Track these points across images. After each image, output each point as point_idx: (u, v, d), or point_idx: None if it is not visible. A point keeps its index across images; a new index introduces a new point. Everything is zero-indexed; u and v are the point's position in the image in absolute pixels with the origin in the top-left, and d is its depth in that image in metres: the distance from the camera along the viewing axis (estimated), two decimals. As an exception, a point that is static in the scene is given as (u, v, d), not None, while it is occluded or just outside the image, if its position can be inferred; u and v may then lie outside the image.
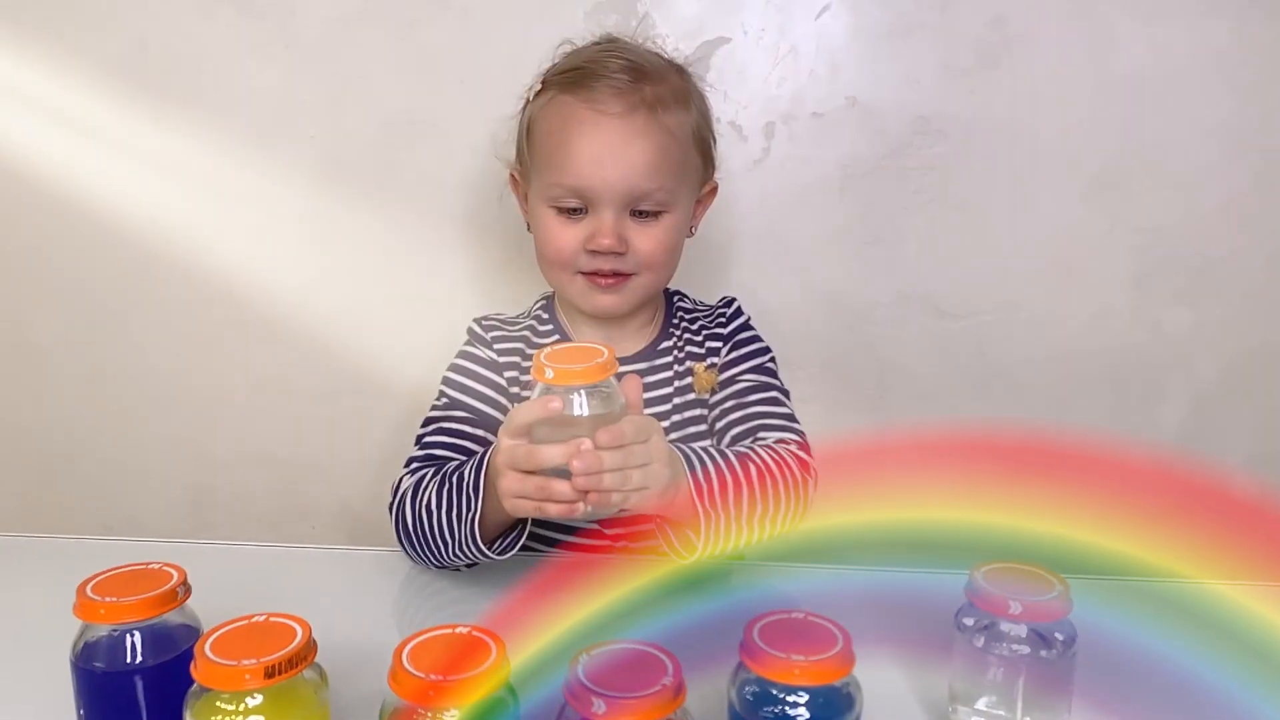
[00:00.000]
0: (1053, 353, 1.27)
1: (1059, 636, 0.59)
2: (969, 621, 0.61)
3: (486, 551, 0.76)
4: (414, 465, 0.87)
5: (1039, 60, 1.18)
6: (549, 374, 0.66)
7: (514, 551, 0.78)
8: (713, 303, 1.01)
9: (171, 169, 1.26)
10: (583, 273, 0.88)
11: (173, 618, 0.57)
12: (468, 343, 0.96)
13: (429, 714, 0.48)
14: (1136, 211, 1.22)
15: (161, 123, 1.25)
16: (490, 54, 1.22)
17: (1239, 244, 1.22)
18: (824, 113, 1.22)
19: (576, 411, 0.67)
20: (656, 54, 0.92)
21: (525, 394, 0.91)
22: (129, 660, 0.55)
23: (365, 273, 1.28)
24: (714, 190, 0.97)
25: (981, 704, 0.61)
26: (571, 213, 0.87)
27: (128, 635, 0.55)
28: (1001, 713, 0.60)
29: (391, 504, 0.84)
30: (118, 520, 1.37)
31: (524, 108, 0.94)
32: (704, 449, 0.76)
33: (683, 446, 0.75)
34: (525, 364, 0.93)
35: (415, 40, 1.22)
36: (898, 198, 1.24)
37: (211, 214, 1.27)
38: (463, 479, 0.77)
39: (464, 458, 0.84)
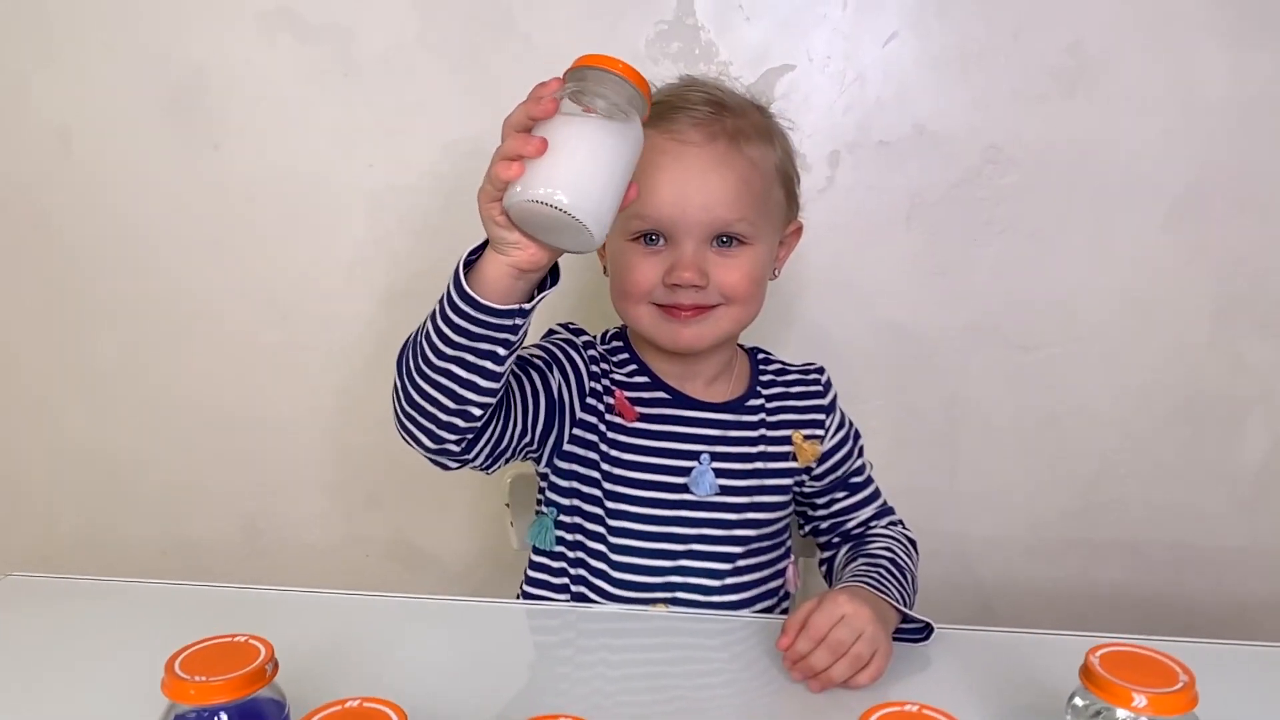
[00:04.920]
0: (1127, 386, 1.24)
1: (1180, 729, 0.56)
2: (1080, 703, 0.58)
3: (492, 305, 0.71)
4: None
5: (1117, 86, 1.15)
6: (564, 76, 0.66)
7: (540, 296, 0.73)
8: (795, 362, 0.99)
9: (230, 195, 1.26)
10: (659, 304, 0.86)
11: (261, 694, 0.56)
12: (552, 330, 0.93)
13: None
14: (1218, 241, 1.18)
15: (222, 148, 1.25)
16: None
17: (1326, 275, 1.18)
18: (891, 141, 1.19)
19: (568, 110, 0.66)
20: (737, 93, 0.90)
21: (612, 401, 0.89)
22: (217, 741, 0.54)
23: (425, 299, 1.27)
24: (798, 231, 0.95)
25: (1093, 789, 0.58)
26: (650, 244, 0.85)
27: (216, 717, 0.54)
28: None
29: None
30: (174, 544, 1.38)
31: None
32: (876, 575, 0.81)
33: (865, 582, 0.79)
34: (599, 373, 0.90)
35: (475, 68, 1.21)
36: (967, 227, 1.21)
37: (271, 240, 1.27)
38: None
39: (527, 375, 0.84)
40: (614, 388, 0.90)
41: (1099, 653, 0.57)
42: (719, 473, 0.88)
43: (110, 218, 1.28)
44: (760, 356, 0.98)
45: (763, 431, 0.91)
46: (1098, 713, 0.57)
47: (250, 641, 0.57)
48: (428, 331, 0.73)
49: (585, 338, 0.92)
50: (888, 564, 0.84)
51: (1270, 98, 1.13)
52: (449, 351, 0.72)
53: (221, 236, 1.28)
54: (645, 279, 0.84)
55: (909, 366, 1.25)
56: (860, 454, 0.97)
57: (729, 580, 0.90)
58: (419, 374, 0.74)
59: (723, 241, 0.85)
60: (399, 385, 0.76)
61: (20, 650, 0.80)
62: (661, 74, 1.16)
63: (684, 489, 0.88)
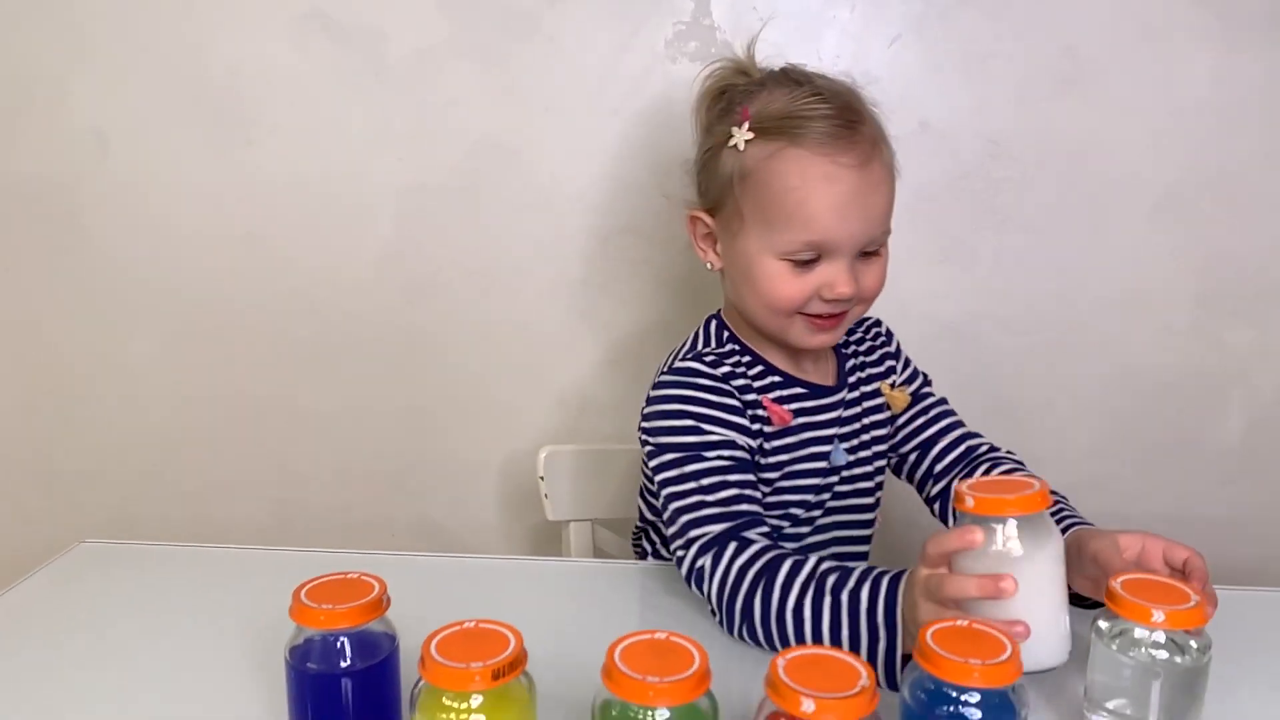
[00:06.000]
0: (1117, 370, 1.32)
1: (1194, 644, 0.63)
2: (1105, 625, 0.65)
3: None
4: (723, 535, 0.81)
5: (1109, 88, 1.23)
6: (969, 502, 0.64)
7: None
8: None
9: (262, 193, 1.31)
10: (805, 314, 0.88)
11: (376, 625, 0.61)
12: (684, 384, 0.88)
13: (640, 711, 0.52)
14: (1201, 234, 1.26)
15: (255, 145, 1.30)
16: (575, 82, 1.26)
17: (1299, 265, 1.27)
18: (896, 136, 1.25)
19: (1006, 547, 0.64)
20: (836, 80, 0.92)
21: (762, 413, 0.90)
22: (340, 664, 0.60)
23: (450, 293, 1.33)
24: None
25: (1113, 705, 0.65)
26: (804, 264, 0.86)
27: (339, 640, 0.60)
28: (1133, 714, 0.65)
29: (710, 582, 0.79)
30: (207, 531, 1.42)
31: (718, 152, 0.91)
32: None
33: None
34: (743, 389, 0.90)
35: (502, 69, 1.26)
36: (969, 219, 1.28)
37: (302, 236, 1.32)
38: (857, 603, 0.72)
39: (751, 498, 0.83)
40: (759, 398, 0.91)
41: (1120, 579, 0.64)
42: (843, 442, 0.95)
43: (145, 216, 1.32)
44: None
45: (862, 390, 0.98)
46: (1120, 633, 0.64)
47: (364, 578, 0.62)
48: (798, 634, 0.74)
49: (724, 369, 0.90)
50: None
51: (1248, 100, 1.22)
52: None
53: (253, 233, 1.32)
54: (800, 295, 0.87)
55: (913, 352, 1.32)
56: (931, 385, 1.03)
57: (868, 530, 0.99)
58: (765, 633, 0.77)
59: (866, 251, 0.88)
60: (724, 615, 0.79)
61: (104, 609, 0.85)
62: (680, 72, 1.25)
63: (827, 470, 0.94)
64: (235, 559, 0.98)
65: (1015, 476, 0.67)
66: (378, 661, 0.61)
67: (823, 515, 0.95)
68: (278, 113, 1.29)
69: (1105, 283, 1.29)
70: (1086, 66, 1.22)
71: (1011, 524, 0.64)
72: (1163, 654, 0.63)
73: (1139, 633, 0.64)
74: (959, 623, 0.58)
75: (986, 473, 0.94)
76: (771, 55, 1.24)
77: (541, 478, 1.15)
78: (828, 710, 0.50)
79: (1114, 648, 0.64)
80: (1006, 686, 0.55)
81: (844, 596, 0.73)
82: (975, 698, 0.55)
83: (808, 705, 0.50)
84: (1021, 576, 0.62)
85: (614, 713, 0.54)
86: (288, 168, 1.30)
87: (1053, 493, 0.83)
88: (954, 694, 0.55)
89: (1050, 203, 1.27)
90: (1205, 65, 1.21)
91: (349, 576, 0.62)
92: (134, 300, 1.35)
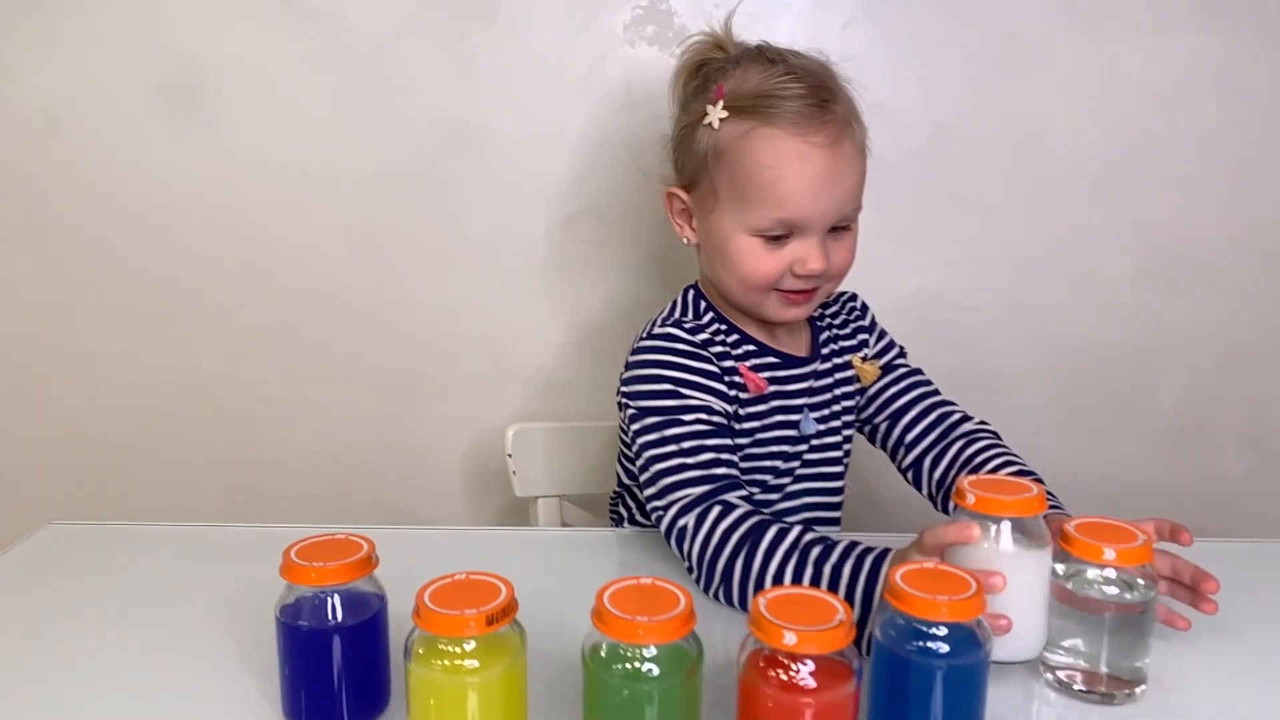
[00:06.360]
0: (1060, 343, 1.37)
1: (1141, 583, 0.67)
2: (1061, 569, 0.69)
3: None
4: (704, 497, 0.83)
5: (1050, 71, 1.28)
6: (970, 500, 0.67)
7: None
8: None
9: (221, 175, 1.30)
10: (779, 290, 0.91)
11: (365, 584, 0.63)
12: (663, 349, 0.91)
13: (631, 649, 0.54)
14: (1137, 211, 1.32)
15: (213, 128, 1.29)
16: (535, 65, 1.28)
17: (1229, 240, 1.33)
18: (850, 119, 1.30)
19: (1000, 545, 0.67)
20: (810, 57, 0.94)
21: (739, 380, 0.92)
22: (332, 620, 0.61)
23: (413, 276, 1.34)
24: None
25: (1068, 644, 0.69)
26: (776, 240, 0.89)
27: (329, 597, 0.61)
28: (1086, 651, 0.69)
29: (692, 543, 0.81)
30: (170, 519, 1.40)
31: (693, 129, 0.92)
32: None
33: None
34: (722, 355, 0.92)
35: (463, 52, 1.28)
36: (918, 198, 1.33)
37: (263, 221, 1.32)
38: (838, 577, 0.74)
39: (730, 462, 0.86)
40: (736, 365, 0.93)
41: (1074, 523, 0.68)
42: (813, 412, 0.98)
43: (102, 200, 1.31)
44: None
45: (833, 362, 1.01)
46: (1074, 574, 0.68)
47: (352, 538, 0.64)
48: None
49: (703, 335, 0.92)
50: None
51: (1179, 82, 1.28)
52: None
53: (213, 217, 1.31)
54: (773, 271, 0.89)
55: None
56: (906, 357, 1.06)
57: (838, 498, 1.02)
58: (741, 595, 0.79)
59: (836, 227, 0.91)
60: (700, 573, 0.81)
61: (78, 587, 0.85)
62: (638, 56, 1.27)
63: (796, 438, 0.97)
64: (205, 536, 0.98)
65: (1016, 479, 0.69)
66: (368, 618, 0.62)
67: (792, 483, 0.98)
68: (237, 95, 1.28)
69: (1048, 259, 1.34)
70: (1029, 51, 1.27)
71: (1006, 524, 0.67)
72: (1113, 590, 0.67)
73: (1091, 573, 0.68)
74: (926, 564, 0.61)
75: (970, 461, 0.95)
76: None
77: (509, 455, 1.17)
78: (808, 641, 0.53)
79: (1069, 587, 0.68)
80: (971, 621, 0.58)
81: (826, 569, 0.75)
82: (943, 631, 0.58)
83: (789, 638, 0.53)
84: (1010, 574, 0.65)
85: (603, 654, 0.56)
86: (247, 151, 1.30)
87: (1049, 494, 0.86)
88: (923, 629, 0.58)
89: (996, 182, 1.32)
90: (1139, 49, 1.27)
91: (337, 537, 0.64)
92: (92, 285, 1.33)
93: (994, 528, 0.67)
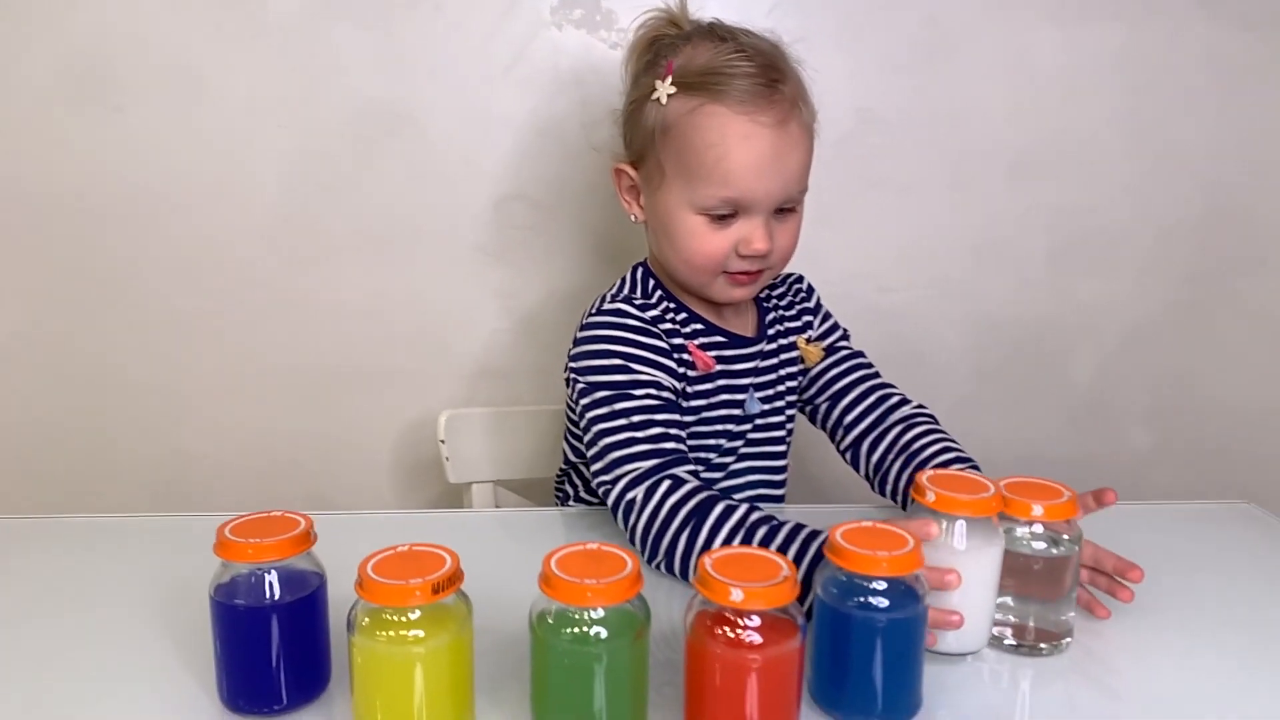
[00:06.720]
0: (980, 322, 1.41)
1: (1066, 538, 0.70)
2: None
3: None
4: (653, 471, 0.83)
5: (965, 57, 1.32)
6: (930, 497, 0.67)
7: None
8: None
9: (134, 159, 1.25)
10: (727, 272, 0.91)
11: (304, 562, 0.61)
12: (612, 324, 0.91)
13: (579, 612, 0.54)
14: (1050, 194, 1.37)
15: (126, 111, 1.24)
16: (461, 46, 1.27)
17: (1134, 222, 1.39)
18: (775, 105, 1.32)
19: (955, 542, 0.67)
20: (762, 37, 0.94)
21: (687, 357, 0.93)
22: (270, 598, 0.59)
23: (340, 262, 1.31)
24: None
25: (998, 600, 0.71)
26: (722, 219, 0.89)
27: (266, 574, 0.60)
28: (1015, 606, 0.71)
29: (639, 516, 0.82)
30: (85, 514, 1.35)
31: (642, 105, 0.93)
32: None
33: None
34: (668, 336, 0.92)
35: (387, 32, 1.25)
36: (844, 183, 1.35)
37: (182, 205, 1.27)
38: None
39: (678, 437, 0.86)
40: (685, 343, 0.94)
41: (1005, 482, 0.71)
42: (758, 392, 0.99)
43: (11, 188, 1.25)
44: None
45: (779, 343, 1.02)
46: (1005, 531, 0.71)
47: (288, 515, 0.62)
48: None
49: (652, 313, 0.92)
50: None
51: (1088, 71, 1.33)
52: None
53: (129, 201, 1.26)
54: (720, 251, 0.89)
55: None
56: (849, 339, 1.07)
57: (782, 476, 1.03)
58: (683, 567, 0.80)
59: (782, 209, 0.91)
60: (644, 542, 0.82)
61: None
62: (566, 39, 1.27)
63: (741, 417, 0.97)
64: (118, 527, 0.95)
65: (972, 476, 0.71)
66: (307, 594, 0.61)
67: (736, 461, 0.99)
68: (149, 75, 1.24)
69: (968, 241, 1.38)
70: (947, 37, 1.31)
71: (962, 523, 0.68)
72: (1041, 545, 0.70)
73: (1020, 530, 0.70)
74: (864, 523, 0.63)
75: (909, 446, 0.95)
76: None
77: (442, 441, 1.16)
78: (755, 597, 0.54)
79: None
80: (910, 575, 0.60)
81: (771, 550, 0.76)
82: (883, 586, 0.60)
83: (736, 594, 0.54)
84: (964, 571, 0.66)
85: (551, 619, 0.56)
86: (163, 133, 1.25)
87: (975, 468, 0.89)
88: (864, 584, 0.60)
89: (917, 167, 1.35)
90: (1049, 37, 1.32)
91: (273, 514, 0.62)
92: (4, 274, 1.27)
93: (950, 526, 0.68)
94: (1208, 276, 1.42)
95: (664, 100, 0.89)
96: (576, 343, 0.93)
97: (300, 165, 1.27)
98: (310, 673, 0.62)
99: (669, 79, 0.89)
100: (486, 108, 1.28)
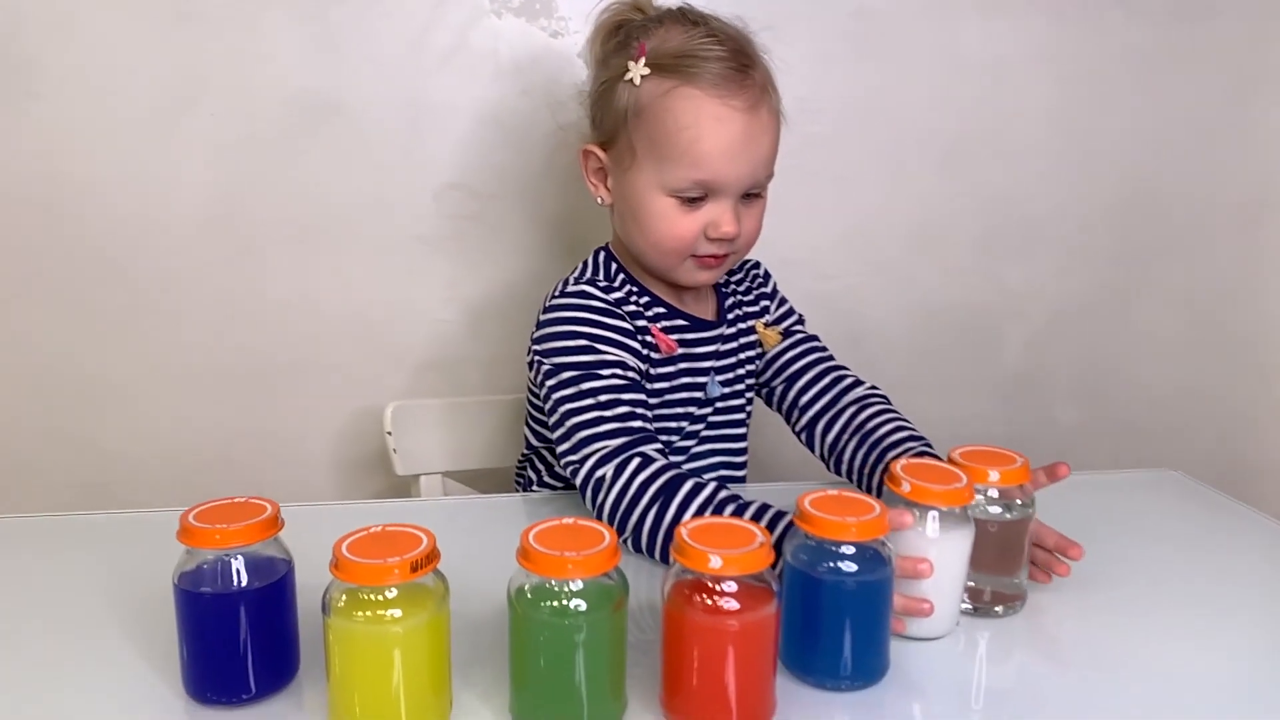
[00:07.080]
0: (914, 308, 1.45)
1: (1020, 502, 0.72)
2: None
3: None
4: (622, 449, 0.84)
5: (896, 48, 1.35)
6: (905, 488, 0.68)
7: None
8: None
9: (57, 146, 1.20)
10: (695, 255, 0.92)
11: (271, 547, 0.60)
12: (577, 306, 0.91)
13: (558, 585, 0.54)
14: (979, 182, 1.42)
15: (43, 98, 1.19)
16: (396, 33, 1.25)
17: (1058, 208, 1.45)
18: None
19: (928, 531, 0.68)
20: (729, 23, 0.96)
21: (650, 340, 0.93)
22: (236, 584, 0.58)
23: (273, 254, 1.28)
24: None
25: (954, 565, 0.74)
26: (691, 202, 0.89)
27: (233, 560, 0.58)
28: (972, 571, 0.73)
29: (608, 493, 0.82)
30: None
31: (613, 86, 0.93)
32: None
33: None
34: (631, 318, 0.93)
35: (320, 18, 1.23)
36: (782, 171, 1.36)
37: (106, 196, 1.23)
38: None
39: (644, 416, 0.86)
40: (648, 325, 0.95)
41: (959, 450, 0.73)
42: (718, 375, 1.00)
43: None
44: None
45: (738, 327, 1.03)
46: (959, 498, 0.73)
47: (254, 501, 0.61)
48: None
49: (616, 295, 0.93)
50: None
51: (1016, 61, 1.38)
52: None
53: (46, 192, 1.21)
54: (689, 234, 0.90)
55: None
56: (804, 323, 1.09)
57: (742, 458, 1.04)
58: (650, 542, 0.80)
59: (749, 194, 0.92)
60: (614, 517, 0.82)
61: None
62: (505, 26, 1.26)
63: (703, 400, 0.98)
64: (47, 527, 0.92)
65: (944, 466, 0.72)
66: (275, 580, 0.59)
67: (697, 444, 1.00)
68: (67, 60, 1.19)
69: (903, 229, 1.42)
70: (875, 29, 1.34)
71: (934, 513, 0.69)
72: (996, 509, 0.72)
73: (976, 496, 0.73)
74: (830, 491, 0.64)
75: (863, 426, 0.97)
76: (587, 11, 1.28)
77: (389, 433, 1.14)
78: (732, 564, 0.55)
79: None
80: (876, 540, 0.62)
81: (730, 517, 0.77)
82: (851, 550, 0.61)
83: (715, 561, 0.54)
84: (936, 559, 0.68)
85: (530, 593, 0.56)
86: (82, 122, 1.20)
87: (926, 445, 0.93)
88: (833, 549, 0.61)
89: (852, 156, 1.38)
90: (976, 29, 1.36)
91: (237, 500, 0.61)
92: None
93: (922, 516, 0.69)
94: (1128, 261, 1.48)
95: (638, 81, 0.90)
96: (540, 325, 0.93)
97: (231, 155, 1.24)
98: (279, 661, 0.61)
99: (642, 60, 0.90)
100: (424, 97, 1.27)
